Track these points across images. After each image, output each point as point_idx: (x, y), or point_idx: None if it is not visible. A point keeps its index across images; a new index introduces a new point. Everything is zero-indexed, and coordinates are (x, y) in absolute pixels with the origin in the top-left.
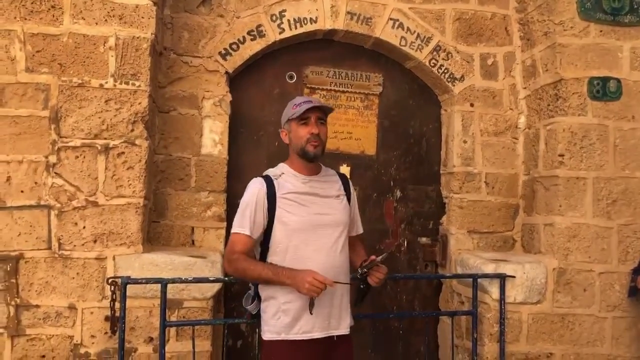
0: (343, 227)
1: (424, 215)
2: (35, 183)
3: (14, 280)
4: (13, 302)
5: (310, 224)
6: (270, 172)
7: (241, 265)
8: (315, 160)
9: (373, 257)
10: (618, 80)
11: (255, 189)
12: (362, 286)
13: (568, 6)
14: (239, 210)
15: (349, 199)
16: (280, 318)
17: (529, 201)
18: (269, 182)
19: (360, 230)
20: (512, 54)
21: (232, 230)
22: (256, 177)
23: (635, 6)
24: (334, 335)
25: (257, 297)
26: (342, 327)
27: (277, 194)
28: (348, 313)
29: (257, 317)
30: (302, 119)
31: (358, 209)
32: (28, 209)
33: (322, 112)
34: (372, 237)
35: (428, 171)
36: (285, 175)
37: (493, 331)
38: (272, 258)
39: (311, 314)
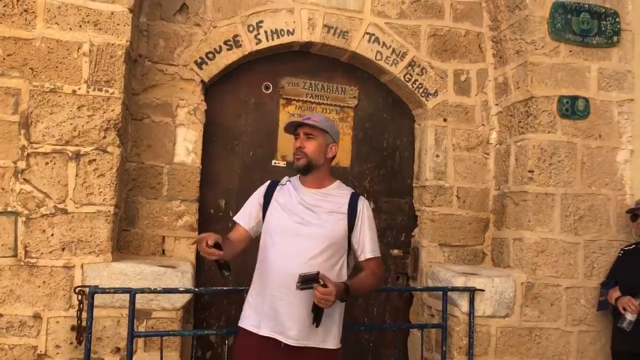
0: (323, 241)
1: (397, 228)
2: (3, 189)
3: None
4: None
5: (286, 229)
6: (283, 179)
7: None
8: (304, 172)
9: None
10: (586, 100)
11: (261, 188)
12: (313, 306)
13: (539, 26)
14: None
15: (353, 220)
16: (245, 309)
17: (499, 216)
18: (273, 185)
19: (368, 256)
20: (485, 71)
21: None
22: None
23: (603, 28)
24: (283, 342)
25: None
26: (286, 335)
27: (273, 197)
28: (296, 324)
29: None
30: (295, 134)
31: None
32: None
33: (310, 128)
34: None
35: (401, 184)
36: (290, 184)
37: (462, 344)
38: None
39: (222, 276)
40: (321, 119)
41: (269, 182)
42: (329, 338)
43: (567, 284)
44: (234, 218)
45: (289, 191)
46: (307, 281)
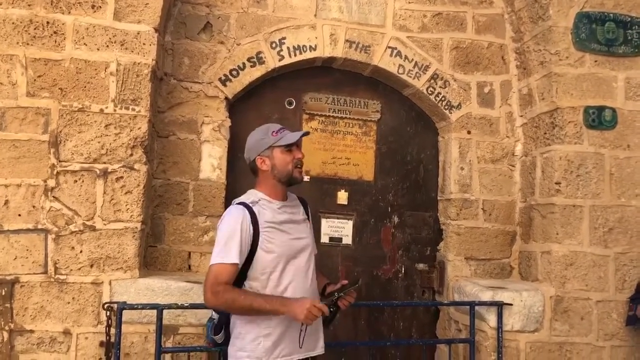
0: (311, 249)
1: (422, 242)
2: (33, 207)
3: (8, 305)
4: (7, 327)
5: (290, 249)
6: (244, 199)
7: (230, 296)
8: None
9: (345, 282)
10: (613, 110)
11: (239, 217)
12: (331, 309)
13: (563, 37)
14: (220, 239)
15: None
16: (261, 343)
17: (526, 228)
18: (250, 210)
19: (316, 251)
20: (509, 83)
21: (215, 261)
22: (233, 204)
23: (629, 37)
24: (310, 357)
25: (224, 326)
26: (318, 348)
27: (259, 222)
28: (321, 333)
29: (222, 345)
30: (287, 145)
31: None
32: (25, 232)
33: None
34: (370, 263)
35: (425, 197)
36: (262, 202)
37: None
38: (251, 284)
39: (300, 345)
40: None
41: (242, 208)
42: None
43: (598, 298)
44: (223, 259)
45: (269, 210)
46: (344, 291)
